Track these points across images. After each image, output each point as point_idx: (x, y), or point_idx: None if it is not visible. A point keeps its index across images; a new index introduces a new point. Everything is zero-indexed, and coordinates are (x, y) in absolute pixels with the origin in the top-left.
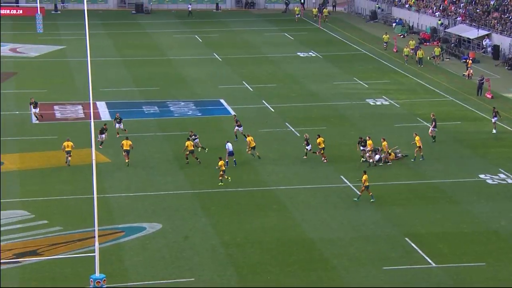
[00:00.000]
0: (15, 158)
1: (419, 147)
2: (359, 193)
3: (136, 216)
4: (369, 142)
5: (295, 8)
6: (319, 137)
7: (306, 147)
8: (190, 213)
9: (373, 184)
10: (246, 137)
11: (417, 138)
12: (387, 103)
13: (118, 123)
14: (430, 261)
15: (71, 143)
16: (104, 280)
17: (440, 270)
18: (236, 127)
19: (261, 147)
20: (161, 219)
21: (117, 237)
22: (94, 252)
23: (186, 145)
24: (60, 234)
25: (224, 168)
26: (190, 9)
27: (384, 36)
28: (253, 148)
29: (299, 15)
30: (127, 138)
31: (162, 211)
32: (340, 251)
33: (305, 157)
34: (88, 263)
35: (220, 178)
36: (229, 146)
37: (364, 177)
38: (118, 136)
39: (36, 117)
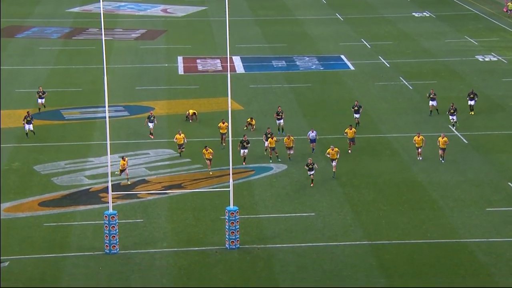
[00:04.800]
0: (164, 104)
1: None
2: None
3: (265, 158)
4: None
5: None
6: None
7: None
8: (312, 156)
9: (480, 133)
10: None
11: None
12: (495, 59)
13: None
14: None
15: (183, 136)
16: (237, 211)
17: None
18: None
19: (377, 99)
20: (286, 161)
21: (248, 175)
22: (229, 187)
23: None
24: (201, 171)
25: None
26: None
27: (509, 3)
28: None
29: None
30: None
31: (287, 155)
32: (446, 193)
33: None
34: (223, 196)
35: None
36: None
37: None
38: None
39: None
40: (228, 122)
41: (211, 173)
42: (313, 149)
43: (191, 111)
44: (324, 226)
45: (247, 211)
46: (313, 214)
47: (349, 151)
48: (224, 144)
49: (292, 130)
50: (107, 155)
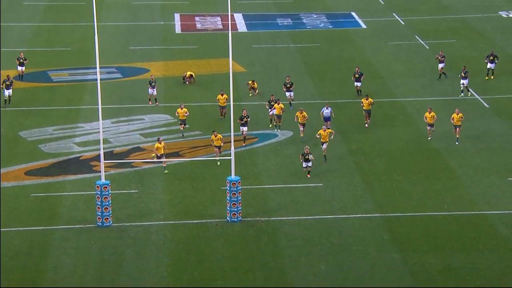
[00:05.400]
0: (160, 65)
1: None
2: None
3: (268, 124)
4: None
5: None
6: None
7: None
8: (320, 123)
9: (502, 96)
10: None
11: None
12: None
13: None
14: None
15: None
16: (239, 181)
17: None
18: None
19: (390, 60)
20: (292, 127)
21: (251, 143)
22: (230, 156)
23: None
24: (200, 138)
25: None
26: None
27: None
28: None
29: None
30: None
31: (293, 121)
32: (465, 161)
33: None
34: (224, 165)
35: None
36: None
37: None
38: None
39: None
40: (229, 86)
41: (218, 163)
42: (327, 128)
43: (188, 73)
44: (332, 198)
45: (249, 181)
46: (320, 184)
47: (366, 125)
48: (222, 118)
49: (298, 94)
50: (98, 120)
